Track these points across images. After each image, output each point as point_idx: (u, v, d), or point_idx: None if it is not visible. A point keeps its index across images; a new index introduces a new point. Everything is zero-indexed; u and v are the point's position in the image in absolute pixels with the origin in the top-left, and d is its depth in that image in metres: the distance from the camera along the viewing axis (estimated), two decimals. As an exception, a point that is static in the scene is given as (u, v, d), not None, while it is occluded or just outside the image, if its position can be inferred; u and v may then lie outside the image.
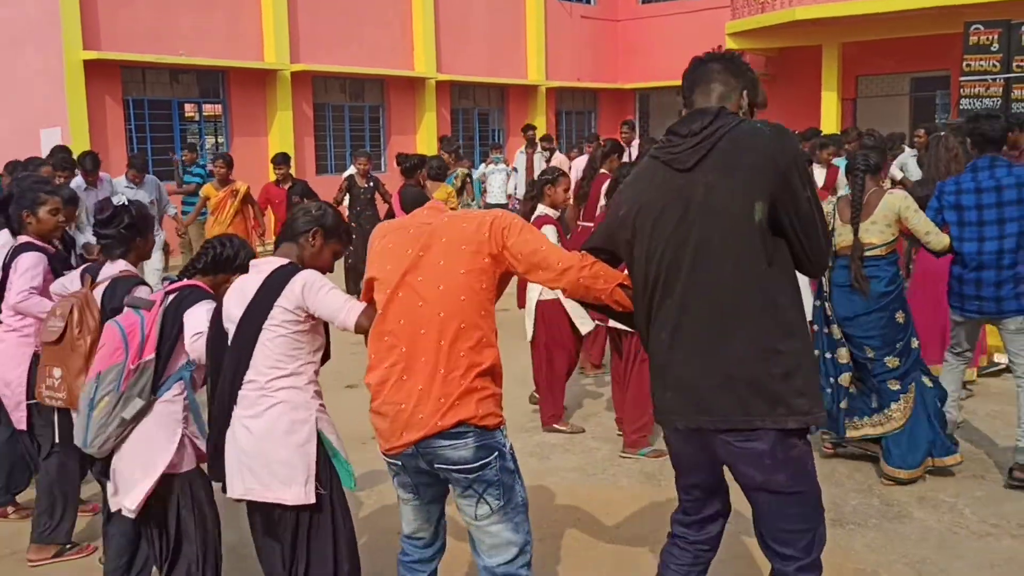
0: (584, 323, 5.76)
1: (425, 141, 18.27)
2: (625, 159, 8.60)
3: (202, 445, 3.30)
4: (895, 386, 4.89)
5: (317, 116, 17.35)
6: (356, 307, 2.87)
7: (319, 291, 2.90)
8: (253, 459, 2.95)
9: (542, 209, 5.77)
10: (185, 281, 3.41)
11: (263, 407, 2.94)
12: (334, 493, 3.07)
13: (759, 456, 2.48)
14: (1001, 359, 6.43)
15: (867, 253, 4.78)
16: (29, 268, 4.21)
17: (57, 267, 4.31)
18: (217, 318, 3.08)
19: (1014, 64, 11.84)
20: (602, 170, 7.35)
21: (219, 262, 3.42)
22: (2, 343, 4.33)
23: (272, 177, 10.64)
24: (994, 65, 11.99)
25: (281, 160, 10.09)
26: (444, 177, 9.04)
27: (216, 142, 16.76)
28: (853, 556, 4.07)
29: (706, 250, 2.47)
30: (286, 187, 9.92)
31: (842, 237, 4.85)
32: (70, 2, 13.43)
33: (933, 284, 5.93)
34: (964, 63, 12.31)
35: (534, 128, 13.58)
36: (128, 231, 3.74)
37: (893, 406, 4.89)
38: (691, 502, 2.83)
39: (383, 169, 17.62)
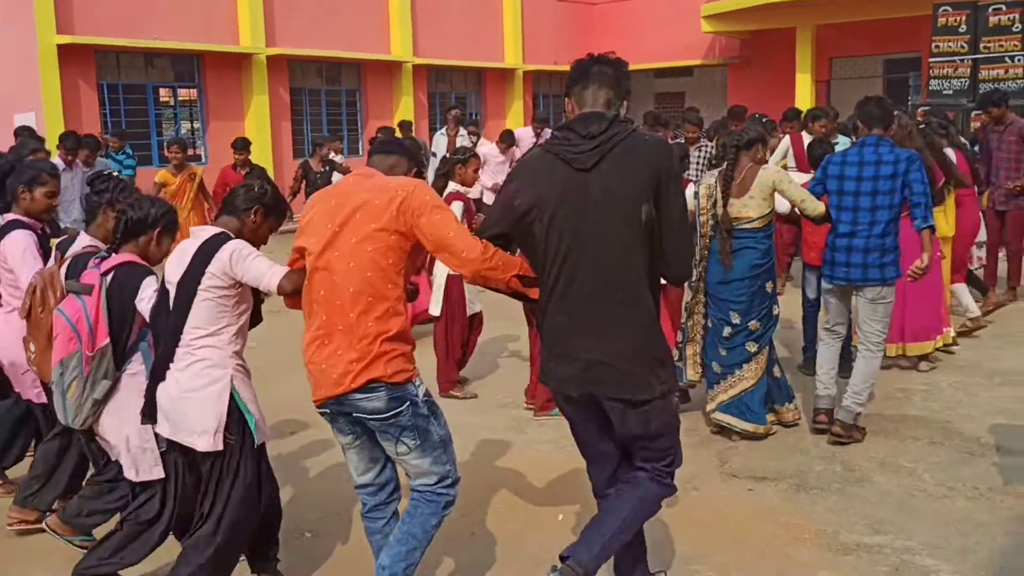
0: (472, 307, 6.31)
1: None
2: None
3: None
4: (752, 348, 5.25)
5: (294, 100, 17.33)
6: (278, 271, 3.17)
7: (246, 259, 3.18)
8: (175, 406, 3.27)
9: (453, 186, 6.16)
10: (116, 258, 3.54)
11: (187, 362, 3.25)
12: (245, 444, 3.35)
13: (646, 416, 2.96)
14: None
15: (744, 226, 5.15)
16: (27, 248, 4.22)
17: (42, 247, 4.36)
18: (160, 283, 3.34)
19: (981, 45, 12.07)
20: None
21: (133, 227, 3.55)
22: (7, 324, 4.29)
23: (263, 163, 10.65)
24: (962, 46, 12.20)
25: (241, 146, 10.06)
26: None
27: (192, 127, 16.72)
28: (815, 519, 4.23)
29: (601, 242, 2.86)
30: (243, 172, 9.87)
31: (723, 211, 5.20)
32: (42, -14, 13.35)
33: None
34: (933, 44, 12.54)
35: (458, 107, 13.39)
36: (99, 198, 3.82)
37: (745, 367, 5.26)
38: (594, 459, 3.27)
39: (360, 153, 17.64)
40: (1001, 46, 11.90)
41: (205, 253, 3.20)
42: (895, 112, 5.80)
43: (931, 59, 12.59)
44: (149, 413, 3.35)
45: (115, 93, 14.86)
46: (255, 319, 3.45)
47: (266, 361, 6.90)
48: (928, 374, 6.37)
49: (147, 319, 3.46)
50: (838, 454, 5.00)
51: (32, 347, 3.76)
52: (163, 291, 3.32)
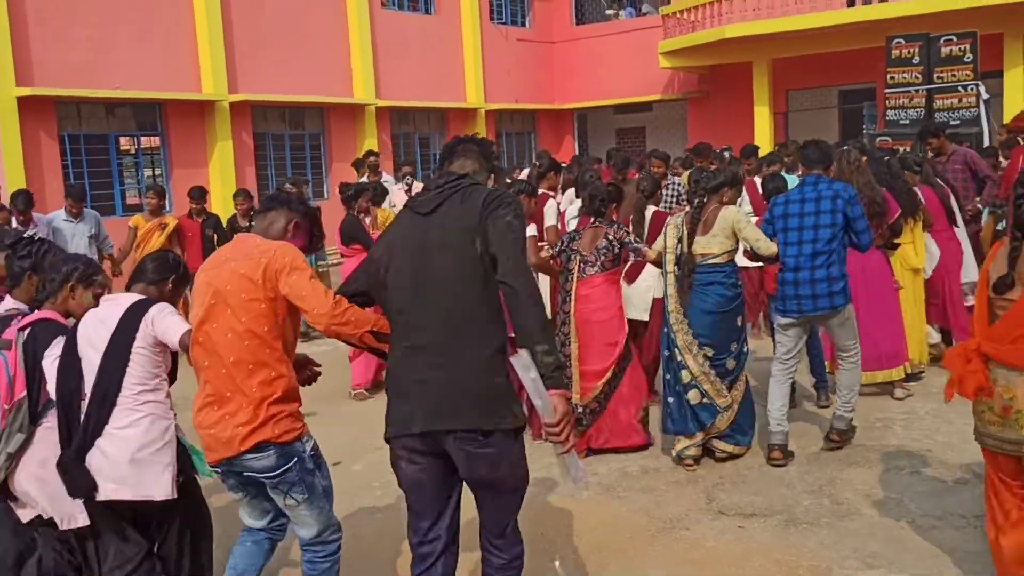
0: None
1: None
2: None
3: None
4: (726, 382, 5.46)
5: (257, 145, 17.27)
6: (182, 327, 3.35)
7: (164, 319, 3.39)
8: (126, 466, 3.35)
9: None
10: (34, 314, 3.63)
11: (134, 418, 3.38)
12: (190, 483, 3.64)
13: (494, 455, 2.91)
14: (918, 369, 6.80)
15: (709, 262, 5.39)
16: None
17: None
18: (71, 344, 3.45)
19: (935, 75, 12.35)
20: (541, 190, 7.46)
21: (49, 286, 3.66)
22: None
23: (231, 210, 10.57)
24: (916, 77, 12.48)
25: (197, 195, 9.94)
26: (381, 202, 9.10)
27: (154, 174, 16.57)
28: (807, 554, 4.23)
29: (439, 278, 2.94)
30: (200, 220, 9.81)
31: (686, 250, 5.45)
32: (1, 39, 13.22)
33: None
34: (888, 76, 12.81)
35: (376, 154, 12.68)
36: (22, 264, 3.83)
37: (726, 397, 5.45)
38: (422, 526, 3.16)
39: (325, 196, 17.60)
40: (954, 75, 12.19)
41: (132, 319, 3.37)
42: (845, 148, 6.16)
43: (886, 90, 12.85)
44: (84, 487, 3.37)
45: (76, 144, 14.70)
46: (171, 376, 3.60)
47: (309, 392, 6.93)
48: (905, 402, 6.44)
49: (48, 378, 3.53)
50: (824, 487, 5.02)
51: None
52: (74, 358, 3.43)
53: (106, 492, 3.37)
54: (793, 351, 5.54)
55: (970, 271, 7.54)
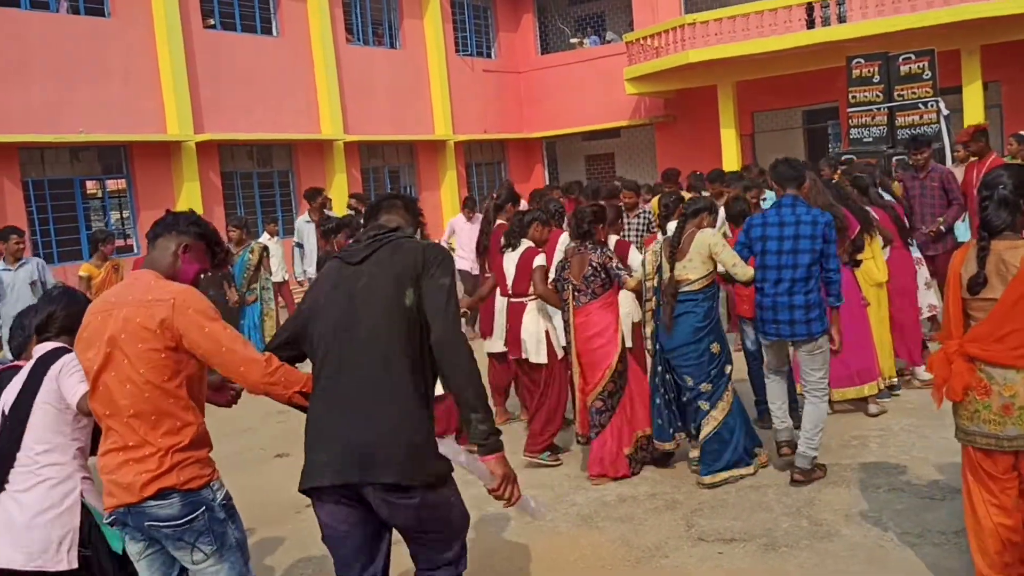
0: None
1: (337, 202, 18.15)
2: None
3: None
4: (704, 406, 5.47)
5: (225, 185, 17.18)
6: (80, 390, 3.18)
7: (70, 375, 3.24)
8: (21, 532, 3.20)
9: None
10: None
11: (32, 482, 3.23)
12: (101, 557, 3.37)
13: (417, 508, 2.88)
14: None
15: (684, 289, 5.36)
16: None
17: None
18: None
19: (895, 93, 12.54)
20: (499, 221, 7.45)
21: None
22: None
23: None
24: (877, 95, 12.67)
25: (152, 236, 9.82)
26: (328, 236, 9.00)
27: (121, 217, 16.43)
28: (788, 579, 4.18)
29: (364, 328, 2.90)
30: None
31: (666, 274, 5.43)
32: (-40, 86, 13.12)
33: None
34: (850, 95, 13.00)
35: (322, 192, 12.09)
36: None
37: (702, 422, 5.48)
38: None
39: (295, 234, 17.48)
40: (914, 93, 12.39)
41: (37, 372, 3.25)
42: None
43: (849, 109, 13.04)
44: None
45: (41, 189, 14.54)
46: (96, 437, 3.33)
47: (241, 448, 6.92)
48: (880, 418, 6.43)
49: None
50: (803, 509, 4.98)
51: None
52: None
53: (5, 559, 3.21)
54: (781, 362, 5.55)
55: (927, 292, 7.62)
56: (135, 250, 15.47)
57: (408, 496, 2.85)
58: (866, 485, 5.23)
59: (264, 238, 13.34)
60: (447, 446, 2.76)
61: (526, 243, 6.31)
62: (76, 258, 14.19)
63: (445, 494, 2.96)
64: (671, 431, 5.69)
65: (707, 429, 5.44)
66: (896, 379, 6.88)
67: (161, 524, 2.96)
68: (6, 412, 3.30)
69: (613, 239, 6.78)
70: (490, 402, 2.89)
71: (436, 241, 10.16)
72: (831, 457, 5.66)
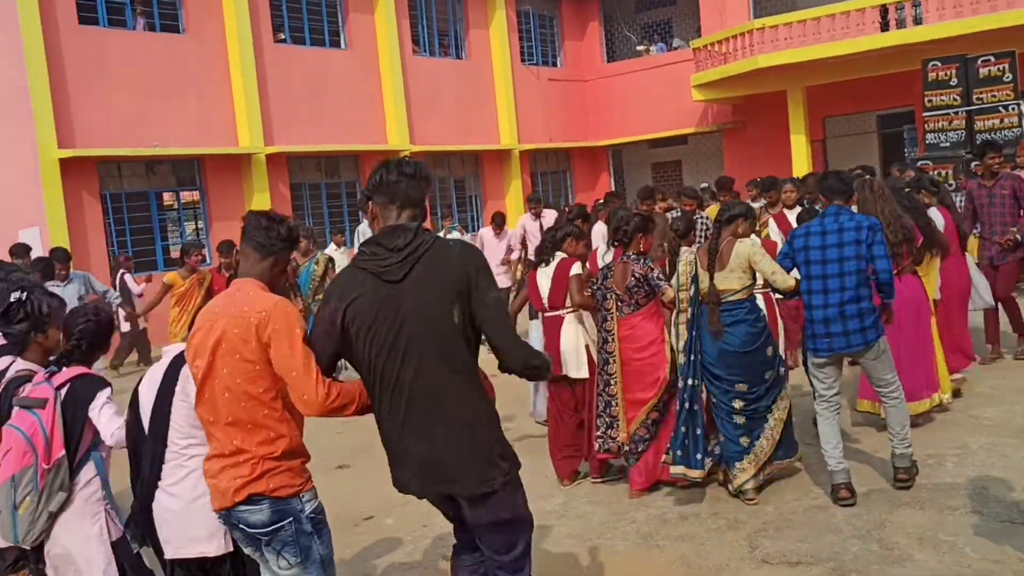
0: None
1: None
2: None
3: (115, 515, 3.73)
4: (763, 406, 5.34)
5: (294, 196, 17.47)
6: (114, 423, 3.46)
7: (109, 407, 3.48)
8: (179, 521, 3.33)
9: None
10: (69, 371, 3.64)
11: (181, 474, 3.33)
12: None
13: (490, 510, 3.04)
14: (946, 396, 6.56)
15: (730, 298, 5.25)
16: None
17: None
18: (134, 403, 3.45)
19: (974, 97, 12.11)
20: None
21: (92, 346, 3.72)
22: None
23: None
24: (954, 99, 12.25)
25: (225, 249, 9.85)
26: None
27: (196, 228, 16.83)
28: (857, 605, 4.01)
29: (417, 348, 2.93)
30: (228, 275, 9.63)
31: (704, 284, 5.29)
32: (43, 101, 13.57)
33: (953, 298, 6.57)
34: (926, 99, 12.59)
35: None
36: (22, 327, 3.83)
37: (765, 426, 5.36)
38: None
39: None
40: (994, 96, 11.94)
41: (175, 369, 3.34)
42: (868, 177, 5.97)
43: (925, 113, 12.63)
44: (142, 534, 3.43)
45: (118, 202, 14.98)
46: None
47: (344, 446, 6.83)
48: (957, 436, 6.17)
49: (102, 428, 3.58)
50: (873, 531, 4.78)
51: None
52: (136, 413, 3.43)
53: (167, 550, 3.38)
54: (833, 387, 5.34)
55: (981, 296, 7.40)
56: (207, 260, 15.79)
57: (483, 505, 3.03)
58: (942, 507, 5.00)
59: (331, 248, 13.53)
60: (538, 407, 2.98)
61: (560, 255, 6.20)
62: (152, 268, 14.56)
63: (511, 495, 3.07)
64: (699, 456, 5.33)
65: (774, 437, 5.37)
66: (949, 397, 6.63)
67: (251, 529, 3.08)
68: (147, 411, 3.42)
69: (685, 251, 6.67)
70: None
71: (463, 237, 10.23)
72: (904, 477, 5.44)
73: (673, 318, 5.63)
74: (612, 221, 6.44)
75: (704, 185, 14.68)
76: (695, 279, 5.40)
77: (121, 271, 12.46)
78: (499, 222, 11.74)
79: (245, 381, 3.01)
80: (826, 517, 5.04)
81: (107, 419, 3.58)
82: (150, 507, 3.37)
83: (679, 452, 5.38)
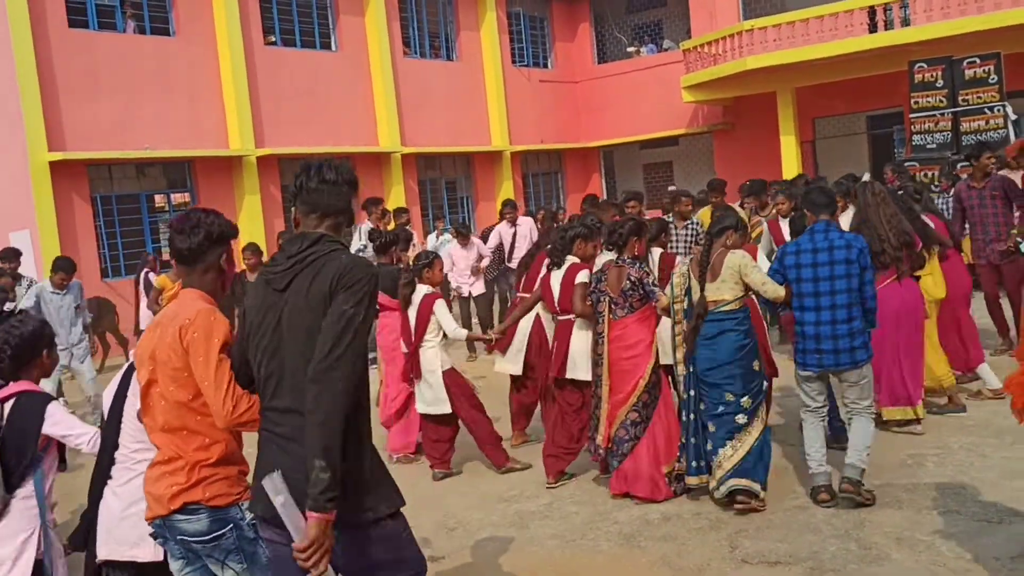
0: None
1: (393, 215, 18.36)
2: None
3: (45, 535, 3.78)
4: (742, 420, 5.28)
5: (285, 198, 17.46)
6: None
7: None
8: (116, 523, 3.42)
9: (425, 289, 6.47)
10: (12, 386, 3.73)
11: (128, 477, 3.41)
12: None
13: (359, 543, 2.70)
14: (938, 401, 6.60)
15: (721, 309, 5.28)
16: None
17: None
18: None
19: (960, 98, 12.19)
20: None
21: (17, 357, 3.75)
22: None
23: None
24: (940, 100, 12.33)
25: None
26: (407, 249, 9.18)
27: (186, 231, 16.82)
28: (833, 604, 4.06)
29: (288, 360, 2.74)
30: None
31: (698, 294, 5.32)
32: (33, 104, 13.57)
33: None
34: (912, 101, 12.68)
35: (381, 203, 11.76)
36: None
37: (736, 436, 5.27)
38: None
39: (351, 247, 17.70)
40: (979, 98, 12.03)
41: (128, 373, 3.44)
42: (867, 181, 6.01)
43: (911, 115, 12.71)
44: (78, 539, 3.54)
45: (108, 204, 14.98)
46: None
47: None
48: (939, 437, 6.23)
49: (73, 442, 3.72)
50: (852, 531, 4.83)
51: None
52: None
53: (100, 552, 3.44)
54: (819, 400, 5.38)
55: None
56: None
57: (351, 529, 2.67)
58: (920, 507, 5.06)
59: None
60: (272, 482, 2.53)
61: (571, 259, 6.28)
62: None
63: (392, 529, 2.77)
64: (702, 463, 5.44)
65: (746, 446, 5.24)
66: (954, 387, 6.69)
67: (190, 539, 3.03)
68: (105, 414, 3.55)
69: (657, 252, 6.73)
70: (334, 460, 2.54)
71: (360, 254, 10.00)
72: (885, 477, 5.50)
73: (671, 330, 5.65)
74: (604, 227, 6.55)
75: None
76: (688, 290, 5.44)
77: (145, 270, 12.28)
78: (464, 232, 11.87)
79: (176, 388, 3.00)
80: (806, 517, 5.10)
81: (72, 430, 3.69)
82: (97, 509, 3.49)
83: (694, 464, 5.46)
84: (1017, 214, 8.01)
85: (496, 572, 4.85)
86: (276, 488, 2.53)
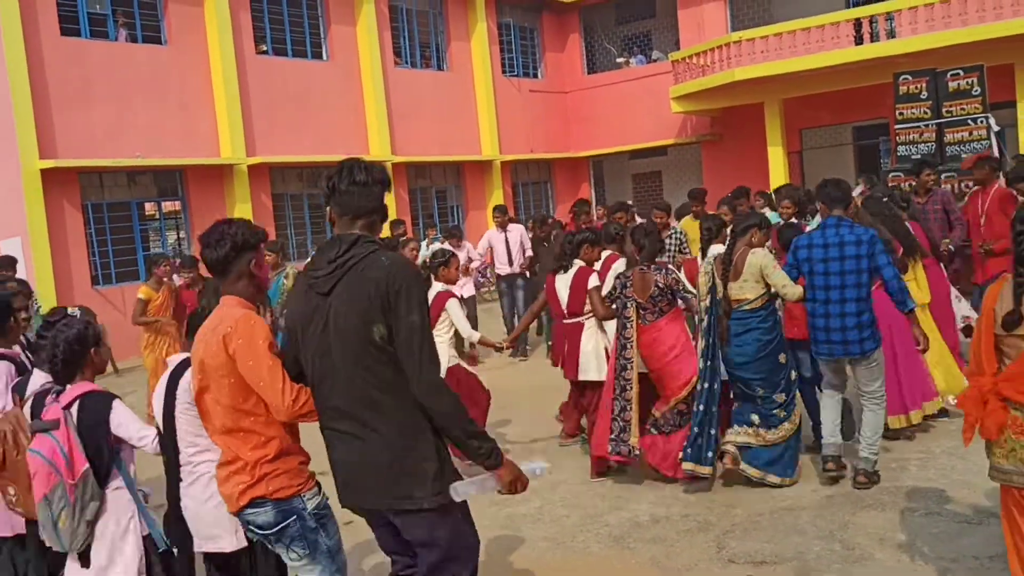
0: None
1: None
2: None
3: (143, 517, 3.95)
4: (781, 414, 5.58)
5: (276, 206, 17.53)
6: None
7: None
8: (195, 521, 3.76)
9: (439, 286, 6.58)
10: (74, 388, 3.81)
11: (191, 479, 3.73)
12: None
13: (415, 528, 3.00)
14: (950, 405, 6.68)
15: (745, 307, 5.48)
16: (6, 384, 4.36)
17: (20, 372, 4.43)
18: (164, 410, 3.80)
19: (944, 110, 12.34)
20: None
21: (70, 360, 3.81)
22: None
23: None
24: (925, 112, 12.48)
25: (189, 263, 9.73)
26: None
27: (178, 238, 16.87)
28: (817, 602, 4.16)
29: (339, 362, 2.94)
30: (196, 290, 9.52)
31: (720, 293, 5.52)
32: (24, 112, 13.60)
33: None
34: (897, 112, 12.81)
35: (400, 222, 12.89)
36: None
37: (776, 427, 5.58)
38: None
39: (345, 253, 17.77)
40: (963, 109, 12.17)
41: (175, 378, 3.69)
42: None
43: (896, 126, 12.86)
44: (174, 532, 3.86)
45: (100, 212, 14.99)
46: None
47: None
48: (922, 441, 6.35)
49: (135, 442, 3.84)
50: (836, 532, 4.94)
51: (11, 490, 3.86)
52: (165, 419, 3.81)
53: (196, 545, 3.80)
54: (838, 378, 5.67)
55: (959, 304, 7.57)
56: (174, 270, 15.81)
57: (406, 515, 2.99)
58: (902, 508, 5.18)
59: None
60: (459, 490, 2.92)
61: (578, 263, 6.40)
62: (134, 279, 14.59)
63: (439, 518, 2.99)
64: (709, 455, 5.62)
65: (780, 434, 5.56)
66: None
67: (259, 530, 3.25)
68: (159, 420, 3.77)
69: (607, 253, 6.93)
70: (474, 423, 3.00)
71: (401, 251, 10.15)
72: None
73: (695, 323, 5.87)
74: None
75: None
76: (712, 288, 5.60)
77: (174, 276, 12.22)
78: (457, 235, 12.15)
79: (226, 394, 3.16)
80: (792, 519, 5.20)
81: (136, 432, 3.82)
82: (179, 507, 3.80)
83: (690, 450, 5.62)
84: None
85: (487, 575, 4.92)
86: (464, 491, 2.95)
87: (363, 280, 2.87)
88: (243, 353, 3.08)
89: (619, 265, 6.89)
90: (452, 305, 6.46)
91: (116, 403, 3.83)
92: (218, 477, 3.29)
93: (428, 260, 6.88)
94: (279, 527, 3.20)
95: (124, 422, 3.80)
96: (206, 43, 16.11)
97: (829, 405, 5.66)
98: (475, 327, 10.17)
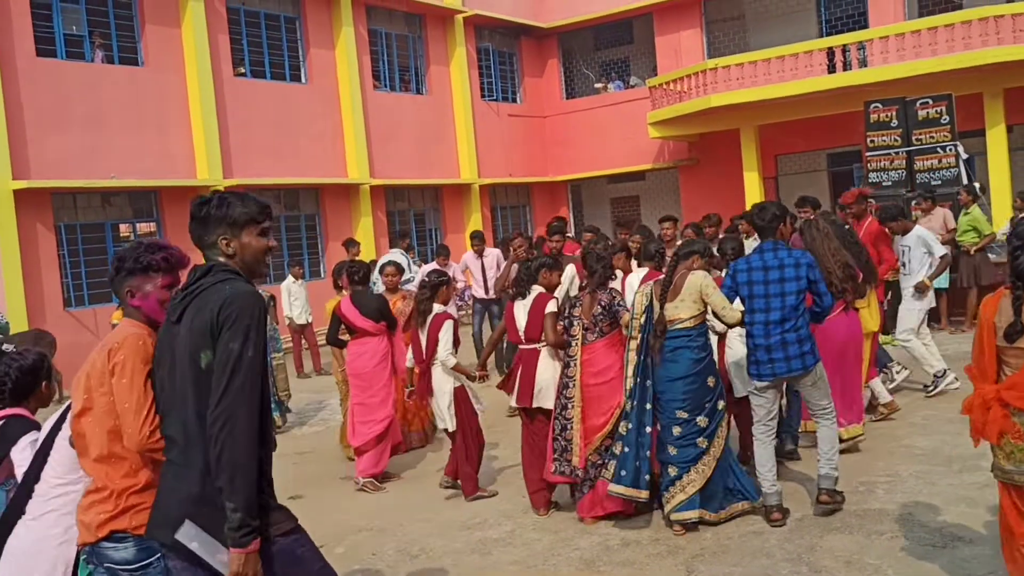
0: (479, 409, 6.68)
1: (363, 245, 18.44)
2: None
3: None
4: (703, 444, 5.49)
5: (253, 228, 17.45)
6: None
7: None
8: (22, 558, 3.37)
9: (438, 308, 6.67)
10: (5, 411, 3.76)
11: (42, 511, 3.39)
12: None
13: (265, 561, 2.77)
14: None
15: (678, 327, 5.51)
16: None
17: None
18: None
19: (913, 137, 12.55)
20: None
21: (16, 390, 3.77)
22: None
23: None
24: (895, 139, 12.69)
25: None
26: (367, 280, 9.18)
27: (152, 260, 16.75)
28: (783, 626, 4.17)
29: (178, 390, 2.87)
30: None
31: (659, 313, 5.56)
32: (-2, 133, 13.53)
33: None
34: (868, 139, 13.02)
35: (357, 244, 13.38)
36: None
37: (699, 463, 5.48)
38: None
39: (321, 276, 17.75)
40: (932, 137, 12.39)
41: (65, 412, 3.41)
42: (811, 219, 6.44)
43: (868, 153, 13.06)
44: None
45: (73, 234, 14.89)
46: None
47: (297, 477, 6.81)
48: (889, 464, 6.40)
49: (19, 469, 3.62)
50: (804, 555, 4.96)
51: None
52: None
53: None
54: (772, 412, 5.66)
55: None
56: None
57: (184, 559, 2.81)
58: (869, 531, 5.21)
59: (288, 281, 13.59)
60: (184, 532, 2.74)
61: (537, 289, 6.41)
62: (107, 300, 14.47)
63: (279, 547, 2.84)
64: (646, 477, 5.55)
65: (707, 470, 5.46)
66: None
67: (117, 567, 3.06)
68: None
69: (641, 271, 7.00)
70: (250, 495, 2.71)
71: (407, 285, 10.10)
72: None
73: (626, 345, 5.85)
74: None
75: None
76: (648, 308, 5.64)
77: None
78: (445, 254, 12.50)
79: (105, 415, 3.06)
80: (760, 542, 5.22)
81: (26, 459, 3.67)
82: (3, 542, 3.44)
83: (623, 472, 5.56)
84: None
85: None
86: (188, 536, 2.73)
87: (203, 308, 2.83)
88: (121, 369, 3.02)
89: (633, 280, 7.22)
90: (446, 327, 6.56)
91: (32, 434, 3.71)
92: (80, 505, 3.15)
93: (427, 278, 6.91)
94: (140, 564, 3.05)
95: (24, 448, 3.67)
96: (183, 64, 16.12)
97: (764, 450, 5.58)
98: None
